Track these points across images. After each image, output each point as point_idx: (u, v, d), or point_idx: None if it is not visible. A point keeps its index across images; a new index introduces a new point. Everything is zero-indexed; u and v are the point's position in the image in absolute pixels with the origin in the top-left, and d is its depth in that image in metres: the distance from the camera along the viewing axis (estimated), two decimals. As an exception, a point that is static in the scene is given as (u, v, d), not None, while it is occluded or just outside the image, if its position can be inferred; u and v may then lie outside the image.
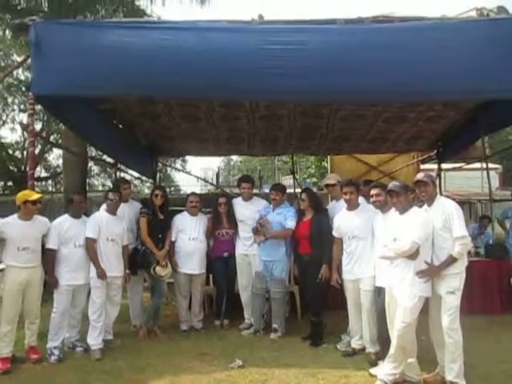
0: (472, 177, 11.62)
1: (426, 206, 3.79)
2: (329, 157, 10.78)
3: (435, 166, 8.91)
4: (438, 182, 8.42)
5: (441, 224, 3.59)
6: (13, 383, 3.85)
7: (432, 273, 3.57)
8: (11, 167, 16.89)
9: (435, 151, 8.58)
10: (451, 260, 3.55)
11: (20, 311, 4.30)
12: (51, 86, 4.49)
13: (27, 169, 5.14)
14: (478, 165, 9.02)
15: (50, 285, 4.45)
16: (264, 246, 5.14)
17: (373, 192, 4.16)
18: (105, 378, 3.93)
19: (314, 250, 4.79)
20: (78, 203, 4.69)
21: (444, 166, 9.09)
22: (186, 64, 4.37)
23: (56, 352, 4.36)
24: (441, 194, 8.45)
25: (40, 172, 18.73)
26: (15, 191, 4.93)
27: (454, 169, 10.28)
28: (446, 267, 3.56)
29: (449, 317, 3.53)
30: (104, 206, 4.84)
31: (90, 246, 4.56)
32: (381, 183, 4.40)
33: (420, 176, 3.80)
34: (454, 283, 3.57)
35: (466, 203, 11.92)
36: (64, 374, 4.01)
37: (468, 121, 6.72)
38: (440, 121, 6.84)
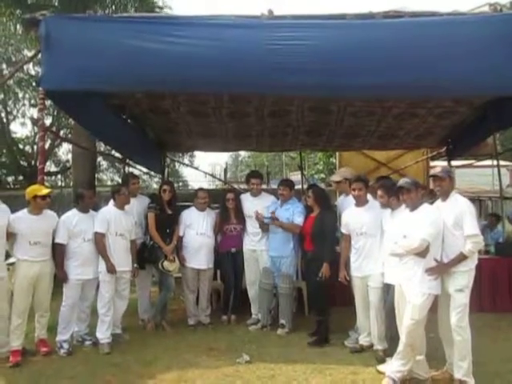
0: (482, 174, 11.51)
1: (439, 201, 3.77)
2: (337, 153, 10.73)
3: (445, 163, 8.84)
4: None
5: (452, 221, 3.56)
6: (23, 376, 3.89)
7: (441, 270, 3.55)
8: (22, 162, 17.03)
9: (445, 148, 8.51)
10: (461, 258, 3.52)
11: (30, 305, 4.35)
12: (61, 81, 4.51)
13: (37, 163, 5.17)
14: (488, 162, 8.93)
15: (59, 279, 4.50)
16: (272, 241, 5.16)
17: (378, 192, 4.23)
18: (113, 371, 3.97)
19: (316, 247, 4.78)
20: (89, 198, 4.71)
21: (454, 162, 9.01)
22: (196, 59, 4.36)
23: (65, 345, 4.41)
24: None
25: (50, 167, 18.84)
26: (25, 185, 4.98)
27: (464, 166, 10.19)
28: (455, 265, 3.54)
29: (457, 314, 3.50)
30: (112, 201, 4.87)
31: (99, 241, 4.58)
32: (389, 182, 4.37)
33: (436, 170, 3.79)
34: (462, 281, 3.54)
35: (476, 200, 11.82)
36: (73, 367, 4.06)
37: (478, 117, 6.65)
38: (450, 117, 6.77)
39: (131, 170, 7.80)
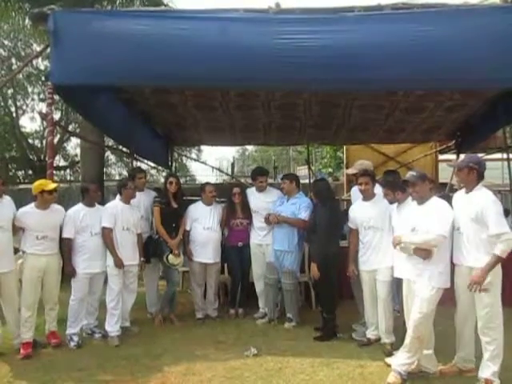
0: (492, 167, 11.39)
1: (462, 193, 3.63)
2: (345, 147, 10.69)
3: (454, 157, 8.76)
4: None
5: (473, 215, 3.39)
6: (34, 367, 3.94)
7: (480, 278, 3.31)
8: (31, 156, 17.13)
9: (454, 141, 8.43)
10: (495, 260, 3.30)
11: (40, 298, 4.39)
12: (70, 76, 4.53)
13: (46, 158, 5.20)
14: (498, 155, 8.83)
15: (67, 273, 4.52)
16: (277, 235, 5.11)
17: (383, 190, 4.23)
18: (123, 363, 4.01)
19: (310, 243, 4.79)
20: (93, 192, 4.73)
21: (463, 156, 8.92)
22: (204, 54, 4.36)
23: (75, 338, 4.46)
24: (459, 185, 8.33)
25: (59, 161, 18.94)
26: (35, 180, 5.01)
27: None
28: (491, 268, 3.30)
29: (485, 315, 3.37)
30: (118, 196, 4.88)
31: (107, 236, 4.60)
32: (391, 177, 4.34)
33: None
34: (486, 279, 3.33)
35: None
36: (83, 360, 4.10)
37: (488, 110, 6.59)
38: (459, 110, 6.72)
39: (139, 164, 7.84)
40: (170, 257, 5.03)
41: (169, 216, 5.17)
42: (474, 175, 3.50)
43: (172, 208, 5.22)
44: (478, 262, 3.38)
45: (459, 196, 3.68)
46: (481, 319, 3.40)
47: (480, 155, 8.94)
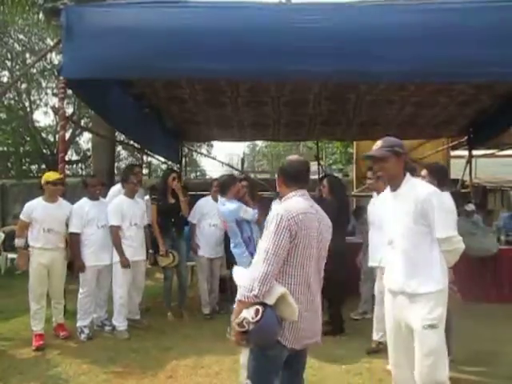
0: (505, 163, 11.26)
1: (387, 192, 2.86)
2: (355, 142, 10.62)
3: (466, 153, 8.66)
4: (468, 169, 8.22)
5: (412, 215, 2.58)
6: (46, 359, 4.01)
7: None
8: (44, 150, 17.29)
9: (466, 137, 8.34)
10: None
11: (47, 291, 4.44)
12: (82, 70, 4.54)
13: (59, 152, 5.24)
14: (511, 151, 8.72)
15: (76, 268, 4.55)
16: None
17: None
18: (132, 356, 4.06)
19: None
20: (92, 186, 4.74)
21: (475, 152, 8.82)
22: (215, 45, 4.34)
23: (86, 330, 4.51)
24: (471, 181, 8.23)
25: (71, 155, 19.13)
26: (48, 174, 5.10)
27: (485, 155, 9.97)
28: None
29: (429, 365, 2.44)
30: (122, 190, 4.90)
31: (116, 234, 4.59)
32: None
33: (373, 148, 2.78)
34: (435, 312, 2.47)
35: (498, 191, 11.59)
36: (94, 352, 4.16)
37: (501, 106, 6.49)
38: (472, 105, 6.62)
39: (150, 159, 7.86)
40: (159, 258, 5.03)
41: (167, 212, 5.14)
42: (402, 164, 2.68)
43: (169, 204, 5.19)
44: (420, 287, 2.53)
45: (386, 196, 2.84)
46: (423, 368, 2.49)
47: (493, 151, 8.88)
